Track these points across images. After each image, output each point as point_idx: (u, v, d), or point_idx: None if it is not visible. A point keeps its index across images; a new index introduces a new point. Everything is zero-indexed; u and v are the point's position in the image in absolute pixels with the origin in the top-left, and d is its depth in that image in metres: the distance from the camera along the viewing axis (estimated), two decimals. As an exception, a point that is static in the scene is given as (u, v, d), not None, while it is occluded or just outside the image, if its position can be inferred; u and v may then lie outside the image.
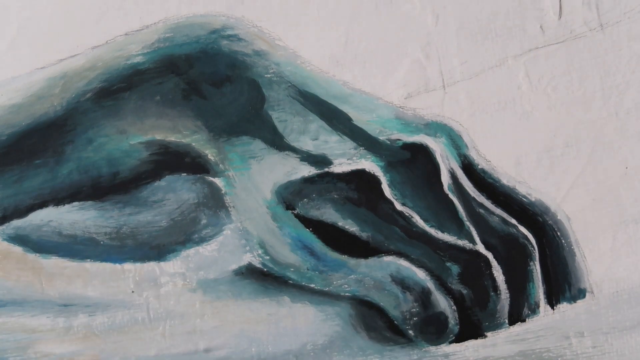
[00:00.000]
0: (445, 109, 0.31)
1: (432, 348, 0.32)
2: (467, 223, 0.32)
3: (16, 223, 0.31)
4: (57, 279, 0.31)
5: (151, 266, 0.31)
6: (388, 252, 0.32)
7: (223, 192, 0.31)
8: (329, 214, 0.31)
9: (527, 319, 0.32)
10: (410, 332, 0.32)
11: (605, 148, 0.31)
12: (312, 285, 0.32)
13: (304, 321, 0.32)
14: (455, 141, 0.31)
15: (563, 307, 0.32)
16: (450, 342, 0.32)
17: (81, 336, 0.31)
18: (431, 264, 0.32)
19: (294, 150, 0.31)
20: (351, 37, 0.31)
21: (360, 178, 0.31)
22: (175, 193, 0.31)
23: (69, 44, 0.31)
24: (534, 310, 0.32)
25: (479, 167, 0.31)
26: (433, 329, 0.32)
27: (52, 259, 0.31)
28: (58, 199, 0.31)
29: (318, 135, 0.31)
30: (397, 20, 0.31)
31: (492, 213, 0.32)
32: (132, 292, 0.31)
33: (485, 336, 0.32)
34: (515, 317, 0.32)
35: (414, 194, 0.31)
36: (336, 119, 0.31)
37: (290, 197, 0.31)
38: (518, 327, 0.32)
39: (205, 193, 0.31)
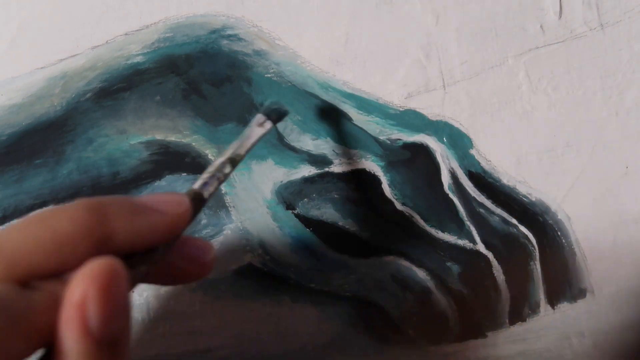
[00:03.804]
0: (445, 109, 0.31)
1: (432, 348, 0.32)
2: (468, 223, 0.32)
3: (16, 223, 0.31)
4: (57, 279, 0.31)
5: (151, 266, 0.31)
6: (388, 252, 0.32)
7: (223, 192, 0.31)
8: (329, 214, 0.31)
9: (527, 319, 0.32)
10: (410, 331, 0.32)
11: (605, 148, 0.31)
12: (312, 285, 0.32)
13: (304, 321, 0.32)
14: (455, 141, 0.31)
15: (563, 307, 0.32)
16: (450, 342, 0.32)
17: (81, 336, 0.31)
18: (431, 264, 0.32)
19: (294, 150, 0.31)
20: (351, 37, 0.31)
21: (360, 178, 0.31)
22: (175, 193, 0.31)
23: (69, 44, 0.31)
24: (534, 310, 0.32)
25: (479, 166, 0.31)
26: (433, 329, 0.32)
27: (52, 259, 0.31)
28: (58, 199, 0.31)
29: (318, 135, 0.31)
30: (397, 20, 0.31)
31: (493, 213, 0.32)
32: (132, 292, 0.31)
33: (486, 336, 0.32)
34: (516, 317, 0.32)
35: (414, 194, 0.31)
36: (336, 118, 0.31)
37: (290, 197, 0.31)
38: (518, 327, 0.32)
39: (205, 193, 0.31)
